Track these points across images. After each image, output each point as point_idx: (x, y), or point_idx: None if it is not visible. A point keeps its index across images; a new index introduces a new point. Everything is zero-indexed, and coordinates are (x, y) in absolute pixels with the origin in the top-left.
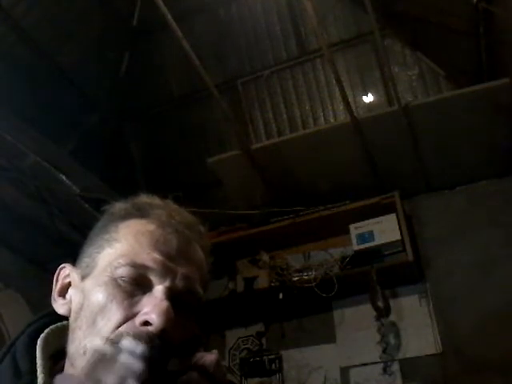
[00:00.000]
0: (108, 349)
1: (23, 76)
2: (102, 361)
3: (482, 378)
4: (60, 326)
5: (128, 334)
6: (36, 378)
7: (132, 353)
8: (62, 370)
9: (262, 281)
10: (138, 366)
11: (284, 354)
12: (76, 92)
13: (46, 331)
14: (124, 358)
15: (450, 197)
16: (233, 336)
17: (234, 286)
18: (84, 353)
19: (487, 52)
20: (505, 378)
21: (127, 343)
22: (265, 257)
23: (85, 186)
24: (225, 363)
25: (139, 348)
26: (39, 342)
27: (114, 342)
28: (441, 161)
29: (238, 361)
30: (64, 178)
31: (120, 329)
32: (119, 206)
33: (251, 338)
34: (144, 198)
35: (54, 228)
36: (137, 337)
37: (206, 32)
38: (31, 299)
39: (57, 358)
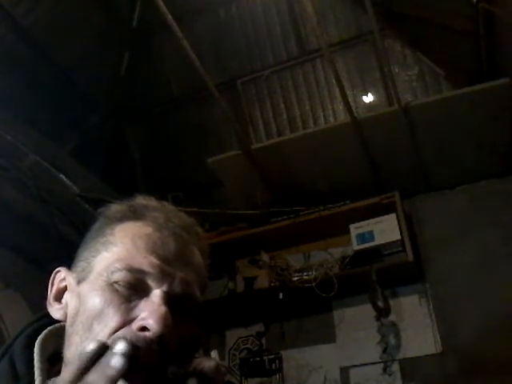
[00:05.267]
0: (94, 350)
1: (23, 76)
2: (88, 362)
3: (481, 378)
4: (58, 326)
5: (123, 338)
6: (34, 380)
7: (118, 353)
8: (59, 372)
9: (262, 281)
10: (123, 364)
11: (284, 354)
12: (76, 92)
13: (44, 333)
14: (111, 359)
15: (450, 197)
16: (233, 336)
17: (234, 286)
18: None
19: (487, 52)
20: (505, 378)
21: (118, 345)
22: (265, 257)
23: (85, 186)
24: (225, 363)
25: (122, 347)
26: (37, 344)
27: (106, 345)
28: (441, 161)
29: (237, 361)
30: (64, 178)
31: (117, 334)
32: (115, 208)
33: (251, 338)
34: (140, 200)
35: (54, 228)
36: (134, 342)
37: (205, 32)
38: (31, 299)
39: (55, 359)
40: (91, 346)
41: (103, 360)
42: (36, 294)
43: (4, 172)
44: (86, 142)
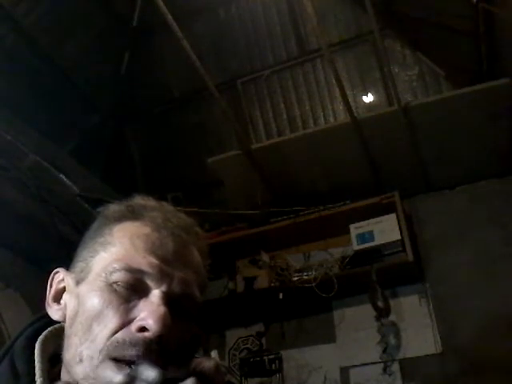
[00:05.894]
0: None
1: (23, 76)
2: None
3: (481, 378)
4: (58, 327)
5: (126, 343)
6: (34, 380)
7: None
8: (59, 373)
9: (262, 281)
10: None
11: (284, 354)
12: (76, 92)
13: (44, 333)
14: None
15: (450, 197)
16: (233, 336)
17: (234, 286)
18: (80, 360)
19: (487, 52)
20: (505, 378)
21: (143, 371)
22: (265, 257)
23: (85, 186)
24: (225, 363)
25: (153, 375)
26: (37, 344)
27: (113, 358)
28: (441, 161)
29: (237, 361)
30: (64, 177)
31: (116, 335)
32: (113, 209)
33: (251, 338)
34: (139, 200)
35: (54, 228)
36: (134, 344)
37: (206, 32)
38: (31, 299)
39: (55, 359)
40: (120, 379)
41: None
42: (36, 294)
43: (4, 172)
44: (85, 142)
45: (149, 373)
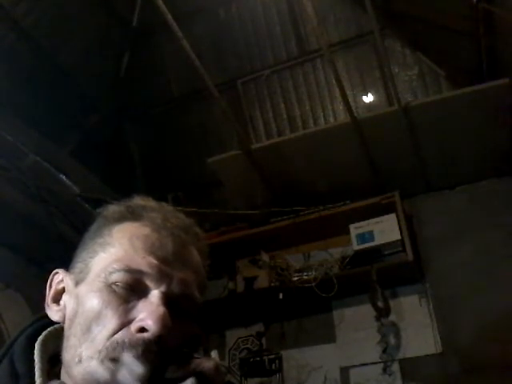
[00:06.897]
0: (105, 372)
1: (23, 76)
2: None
3: (481, 378)
4: (58, 327)
5: (125, 344)
6: (34, 381)
7: (132, 373)
8: (58, 374)
9: (262, 281)
10: None
11: (284, 354)
12: (76, 92)
13: (44, 333)
14: (124, 379)
15: (449, 197)
16: (233, 336)
17: (234, 286)
18: (79, 361)
19: (487, 52)
20: (505, 378)
21: (127, 360)
22: (265, 257)
23: (85, 187)
24: (225, 363)
25: (140, 369)
26: (37, 345)
27: (112, 358)
28: (441, 161)
29: (237, 361)
30: (64, 178)
31: (116, 336)
32: (113, 209)
33: (251, 338)
34: (138, 201)
35: (54, 228)
36: (133, 344)
37: (205, 32)
38: (31, 299)
39: (55, 359)
40: (104, 370)
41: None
42: (36, 293)
43: (4, 172)
44: (86, 142)
45: (134, 367)
